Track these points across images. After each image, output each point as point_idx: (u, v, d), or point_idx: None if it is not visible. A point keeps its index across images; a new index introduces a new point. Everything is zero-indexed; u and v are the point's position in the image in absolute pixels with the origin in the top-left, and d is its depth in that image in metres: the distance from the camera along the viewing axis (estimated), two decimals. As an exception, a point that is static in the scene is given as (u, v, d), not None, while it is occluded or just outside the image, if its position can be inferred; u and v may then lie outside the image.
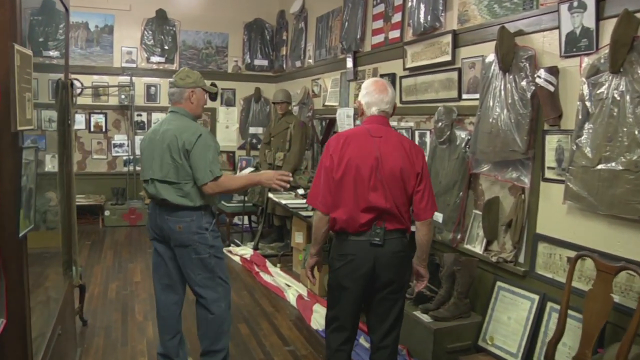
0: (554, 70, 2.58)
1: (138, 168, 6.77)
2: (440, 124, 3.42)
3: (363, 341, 3.20)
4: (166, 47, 6.87)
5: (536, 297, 2.76)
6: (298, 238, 4.67)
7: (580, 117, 2.42)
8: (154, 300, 2.82)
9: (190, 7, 6.89)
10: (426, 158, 3.54)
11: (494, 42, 2.90)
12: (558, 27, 2.57)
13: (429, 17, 3.60)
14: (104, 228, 6.38)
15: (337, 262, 2.31)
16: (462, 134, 3.31)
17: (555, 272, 2.68)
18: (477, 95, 3.15)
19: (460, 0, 3.37)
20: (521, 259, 2.90)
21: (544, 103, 2.64)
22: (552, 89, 2.58)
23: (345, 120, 4.95)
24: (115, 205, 6.53)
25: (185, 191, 2.53)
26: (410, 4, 3.86)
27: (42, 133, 2.13)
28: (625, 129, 2.20)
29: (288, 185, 2.67)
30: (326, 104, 5.55)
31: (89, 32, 6.55)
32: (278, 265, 4.87)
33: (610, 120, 2.26)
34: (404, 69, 3.96)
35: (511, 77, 2.81)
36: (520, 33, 2.82)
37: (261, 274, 4.68)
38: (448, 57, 3.43)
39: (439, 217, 3.42)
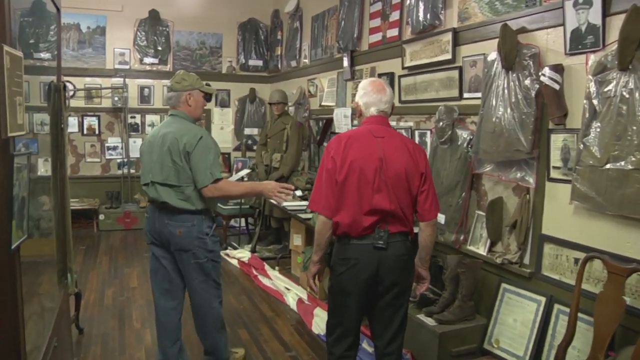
0: (558, 68, 2.53)
1: (132, 171, 6.69)
2: (441, 123, 3.37)
3: (366, 345, 3.14)
4: (159, 48, 6.78)
5: (543, 299, 2.71)
6: (297, 240, 4.61)
7: (587, 115, 2.37)
8: (152, 306, 2.77)
9: (183, 8, 6.80)
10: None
11: (496, 40, 2.85)
12: (562, 24, 2.51)
13: (428, 15, 3.54)
14: (99, 232, 6.29)
15: (340, 266, 2.25)
16: (463, 134, 3.25)
17: (562, 273, 2.63)
18: (479, 94, 3.10)
19: (460, -2, 3.31)
20: (526, 260, 2.85)
21: (548, 101, 2.59)
22: (557, 87, 2.53)
23: (342, 121, 4.89)
24: (109, 208, 6.44)
25: (186, 194, 2.52)
26: (408, 1, 3.80)
27: (33, 136, 2.06)
28: (634, 128, 2.15)
29: (290, 199, 2.66)
30: (323, 104, 5.48)
31: (81, 34, 6.45)
32: (276, 268, 4.80)
33: (618, 119, 2.21)
34: (403, 68, 3.90)
35: (514, 75, 2.76)
36: (523, 30, 2.77)
37: (260, 277, 4.61)
38: (448, 56, 3.37)
39: (441, 218, 3.36)
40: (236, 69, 7.17)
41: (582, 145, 2.39)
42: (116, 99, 6.52)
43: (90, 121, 6.59)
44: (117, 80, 6.53)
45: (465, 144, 3.23)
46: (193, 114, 2.69)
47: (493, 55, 2.93)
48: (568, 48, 2.51)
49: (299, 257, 4.59)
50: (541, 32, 2.69)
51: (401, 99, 3.94)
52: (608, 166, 2.26)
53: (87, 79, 6.50)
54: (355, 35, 4.63)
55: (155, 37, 6.74)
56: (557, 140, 2.61)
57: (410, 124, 3.87)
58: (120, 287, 4.37)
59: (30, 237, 1.66)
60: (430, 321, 2.95)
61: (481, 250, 3.13)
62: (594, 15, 2.35)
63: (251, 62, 7.20)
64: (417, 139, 3.77)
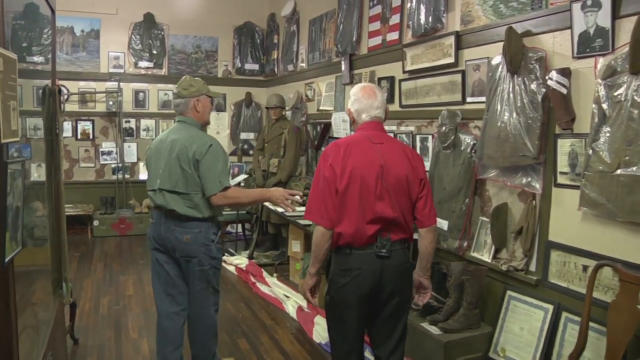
0: (566, 72, 2.49)
1: (127, 176, 6.60)
2: (444, 128, 3.32)
3: (367, 354, 3.06)
4: (154, 52, 6.69)
5: (550, 307, 2.65)
6: (295, 247, 4.54)
7: (596, 120, 2.32)
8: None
9: (178, 11, 6.73)
10: (429, 163, 3.47)
11: (500, 44, 2.81)
12: (570, 27, 2.47)
13: (430, 18, 3.49)
14: (93, 239, 6.18)
15: (342, 277, 2.15)
16: (467, 139, 3.20)
17: (570, 280, 2.58)
18: (482, 99, 3.05)
19: (463, 1, 3.26)
20: (532, 267, 2.80)
21: (556, 106, 2.54)
22: (564, 91, 2.48)
23: (340, 125, 4.84)
24: (104, 214, 6.34)
25: (195, 202, 2.49)
26: (409, 5, 3.76)
27: (26, 141, 1.98)
28: (646, 132, 2.10)
29: (296, 207, 2.62)
30: (321, 108, 5.43)
31: (75, 37, 6.36)
32: (275, 275, 4.72)
33: (630, 123, 2.17)
34: (404, 72, 3.85)
35: (520, 79, 2.71)
36: (529, 34, 2.73)
37: (258, 284, 4.53)
38: (451, 59, 3.32)
39: (444, 224, 3.31)
40: (232, 72, 7.10)
41: (591, 151, 2.35)
42: (110, 103, 6.43)
43: (85, 126, 6.50)
44: (112, 84, 6.45)
45: (468, 149, 3.18)
46: (201, 119, 2.66)
47: (497, 59, 2.88)
48: (576, 51, 2.47)
49: (297, 263, 4.51)
50: (547, 35, 2.65)
51: (402, 103, 3.89)
52: (619, 172, 2.21)
53: (81, 83, 6.40)
54: (354, 39, 4.58)
55: (150, 41, 6.66)
56: (564, 145, 2.56)
57: (411, 128, 3.82)
58: (115, 295, 4.27)
59: (24, 246, 1.59)
60: (434, 330, 2.89)
61: (485, 257, 3.08)
62: (603, 17, 2.30)
63: (247, 66, 7.13)
64: (418, 144, 3.72)
